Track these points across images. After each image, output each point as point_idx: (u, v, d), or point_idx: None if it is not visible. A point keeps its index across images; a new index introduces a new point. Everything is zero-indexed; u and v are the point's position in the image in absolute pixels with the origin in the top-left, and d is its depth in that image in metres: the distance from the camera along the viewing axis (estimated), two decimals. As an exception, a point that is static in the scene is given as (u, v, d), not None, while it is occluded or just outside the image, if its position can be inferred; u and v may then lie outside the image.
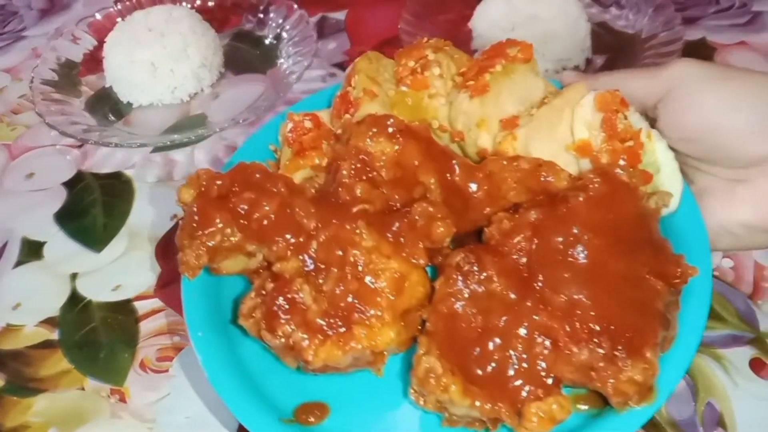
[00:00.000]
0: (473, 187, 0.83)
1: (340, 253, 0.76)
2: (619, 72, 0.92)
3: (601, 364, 0.69)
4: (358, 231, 0.76)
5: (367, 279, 0.75)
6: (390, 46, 1.34)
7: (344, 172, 0.81)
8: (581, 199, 0.76)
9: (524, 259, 0.75)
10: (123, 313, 0.98)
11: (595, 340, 0.70)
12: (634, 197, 0.77)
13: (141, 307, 0.98)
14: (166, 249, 1.05)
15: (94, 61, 1.37)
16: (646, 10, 1.35)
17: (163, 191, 1.14)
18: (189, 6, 1.43)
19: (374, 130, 0.82)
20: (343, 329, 0.73)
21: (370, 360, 0.75)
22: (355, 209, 0.78)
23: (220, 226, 0.77)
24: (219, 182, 0.80)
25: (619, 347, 0.69)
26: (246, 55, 1.40)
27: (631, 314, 0.71)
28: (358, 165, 0.81)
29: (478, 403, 0.70)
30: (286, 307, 0.75)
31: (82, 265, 1.05)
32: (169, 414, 0.86)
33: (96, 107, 1.30)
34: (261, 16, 1.44)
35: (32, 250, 1.09)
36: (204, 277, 0.84)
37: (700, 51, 1.33)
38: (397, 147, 0.82)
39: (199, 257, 0.77)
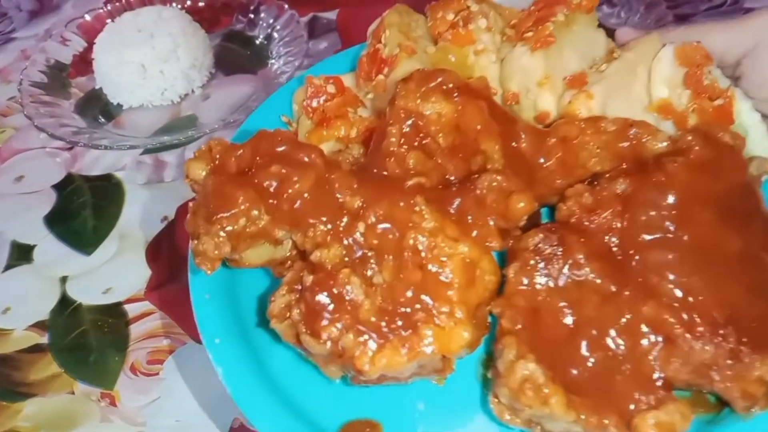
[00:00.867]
0: (544, 155, 0.70)
1: (396, 236, 0.62)
2: (694, 24, 0.82)
3: (728, 362, 0.57)
4: (417, 209, 0.62)
5: (432, 267, 0.61)
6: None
7: (392, 139, 0.67)
8: (681, 163, 0.64)
9: (615, 239, 0.63)
10: (113, 316, 0.97)
11: (721, 332, 0.57)
12: (741, 162, 0.66)
13: (131, 310, 0.97)
14: (157, 251, 1.03)
15: (83, 63, 1.35)
16: (637, 7, 1.35)
17: (154, 193, 1.13)
18: (179, 7, 1.41)
19: (426, 87, 0.68)
20: (405, 331, 0.59)
21: (438, 367, 0.62)
22: (409, 183, 0.64)
23: (244, 207, 0.62)
24: (238, 153, 0.66)
25: (744, 340, 0.57)
26: (236, 56, 1.38)
27: (754, 300, 0.59)
28: (410, 130, 0.67)
29: (583, 417, 0.56)
30: (332, 304, 0.60)
31: (72, 268, 1.04)
32: (160, 417, 0.85)
33: (86, 109, 1.29)
34: (251, 16, 1.42)
35: (22, 253, 1.07)
36: (217, 272, 0.68)
37: (693, 48, 1.33)
38: (456, 107, 0.67)
39: (220, 245, 0.62)
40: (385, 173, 0.66)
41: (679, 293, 0.59)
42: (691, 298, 0.59)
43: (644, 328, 0.59)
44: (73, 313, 0.97)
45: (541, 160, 0.70)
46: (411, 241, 0.62)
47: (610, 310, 0.60)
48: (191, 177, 0.67)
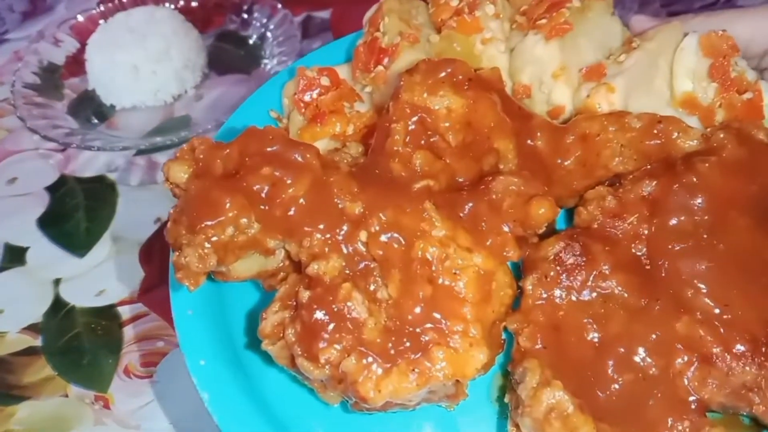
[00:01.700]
0: (561, 154, 0.63)
1: (403, 246, 0.55)
2: (718, 12, 0.74)
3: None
4: (426, 215, 0.55)
5: (444, 281, 0.54)
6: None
7: (397, 137, 0.60)
8: (713, 164, 0.58)
9: (642, 247, 0.57)
10: (107, 319, 0.96)
11: (764, 351, 0.52)
12: None
13: (125, 312, 0.96)
14: (150, 253, 1.02)
15: (76, 64, 1.34)
16: (631, 5, 1.33)
17: (147, 194, 1.12)
18: (172, 7, 1.40)
19: (434, 79, 0.61)
20: (415, 353, 0.52)
21: (451, 393, 0.55)
22: (417, 186, 0.57)
23: (232, 214, 0.55)
24: (224, 153, 0.59)
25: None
26: (230, 56, 1.37)
27: None
28: (416, 127, 0.60)
29: None
30: (331, 324, 0.53)
31: (65, 270, 1.03)
32: (154, 420, 0.84)
33: (78, 110, 1.27)
34: (245, 16, 1.41)
35: (14, 255, 1.06)
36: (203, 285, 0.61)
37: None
38: (468, 101, 0.60)
39: (205, 258, 0.55)
40: (389, 175, 0.59)
41: (715, 308, 0.54)
42: (729, 314, 0.53)
43: (678, 347, 0.54)
44: (66, 315, 0.97)
45: (559, 160, 0.63)
46: (420, 252, 0.55)
47: (639, 326, 0.54)
48: (171, 180, 0.60)
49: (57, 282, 1.01)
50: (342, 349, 0.53)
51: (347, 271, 0.56)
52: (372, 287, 0.56)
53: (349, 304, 0.54)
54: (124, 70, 1.22)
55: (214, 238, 0.56)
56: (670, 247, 0.57)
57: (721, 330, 0.53)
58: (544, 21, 0.70)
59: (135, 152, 1.19)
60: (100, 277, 1.02)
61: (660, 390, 0.53)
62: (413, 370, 0.53)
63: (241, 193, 0.57)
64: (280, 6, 1.35)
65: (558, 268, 0.57)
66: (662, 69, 0.70)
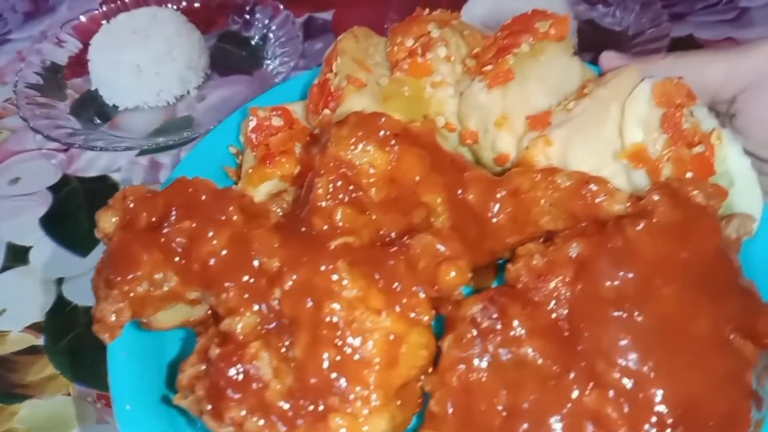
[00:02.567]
0: (493, 209, 0.61)
1: (312, 306, 0.54)
2: (687, 54, 0.72)
3: None
4: (337, 276, 0.55)
5: (350, 344, 0.53)
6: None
7: (320, 191, 0.60)
8: (643, 228, 0.55)
9: (564, 311, 0.55)
10: (109, 318, 0.97)
11: None
12: (715, 226, 0.56)
13: (127, 311, 0.97)
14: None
15: (79, 64, 1.35)
16: (632, 6, 1.34)
17: (150, 194, 1.13)
18: (174, 7, 1.41)
19: (360, 133, 0.60)
20: (315, 419, 0.52)
21: None
22: (333, 244, 0.57)
23: (146, 270, 0.56)
24: (152, 204, 0.59)
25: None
26: (232, 57, 1.38)
27: (716, 393, 0.51)
28: (339, 182, 0.60)
29: None
30: (239, 381, 0.53)
31: (68, 269, 1.04)
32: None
33: (81, 110, 1.28)
34: (247, 16, 1.41)
35: (18, 255, 1.07)
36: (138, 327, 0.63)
37: (688, 47, 1.33)
38: (391, 157, 0.60)
39: (119, 313, 0.56)
40: (311, 230, 0.59)
41: (627, 383, 0.51)
42: (640, 392, 0.51)
43: (586, 423, 0.51)
44: (69, 314, 0.97)
45: (490, 214, 0.61)
46: (328, 313, 0.54)
47: (550, 397, 0.52)
48: (101, 229, 0.61)
49: (60, 281, 1.01)
50: (247, 410, 0.53)
51: (262, 328, 0.56)
52: (284, 345, 0.55)
53: (256, 363, 0.54)
54: (126, 70, 1.23)
55: (131, 293, 0.56)
56: (590, 314, 0.54)
57: (629, 408, 0.51)
58: (489, 67, 0.68)
59: (138, 152, 1.20)
60: (103, 277, 1.01)
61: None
62: None
63: (159, 249, 0.57)
64: (282, 7, 1.36)
65: (474, 330, 0.55)
66: (613, 117, 0.66)
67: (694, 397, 0.51)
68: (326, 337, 0.54)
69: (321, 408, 0.53)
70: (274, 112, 0.74)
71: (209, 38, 1.39)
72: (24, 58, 1.40)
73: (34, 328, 0.96)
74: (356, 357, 0.53)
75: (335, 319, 0.54)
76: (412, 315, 0.56)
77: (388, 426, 0.53)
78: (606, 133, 0.66)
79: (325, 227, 0.58)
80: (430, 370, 0.58)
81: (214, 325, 0.59)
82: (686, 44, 1.32)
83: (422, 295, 0.56)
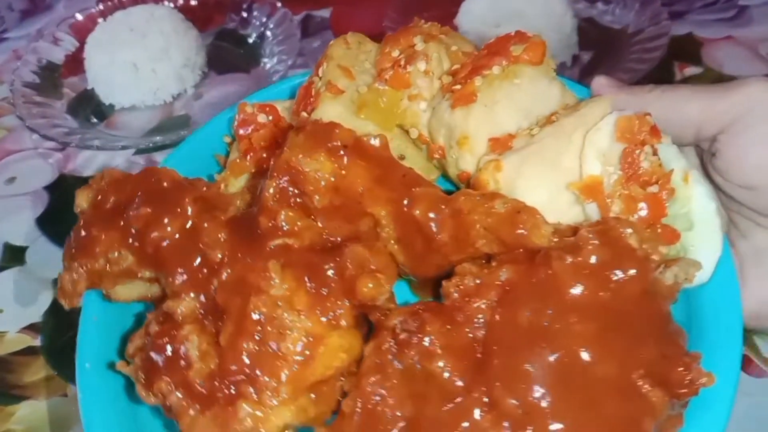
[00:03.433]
0: (437, 226, 0.62)
1: (242, 299, 0.59)
2: (673, 87, 0.70)
3: None
4: (268, 274, 0.58)
5: (269, 339, 0.57)
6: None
7: (269, 192, 0.63)
8: (569, 263, 0.55)
9: (482, 333, 0.56)
10: (106, 318, 0.96)
11: None
12: (643, 271, 0.56)
13: (124, 311, 0.97)
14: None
15: (75, 63, 1.35)
16: (632, 5, 1.35)
17: (147, 194, 1.13)
18: (171, 5, 1.41)
19: (312, 142, 0.63)
20: (225, 402, 0.57)
21: None
22: (272, 244, 0.60)
23: (102, 248, 0.62)
24: (122, 187, 0.65)
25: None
26: (229, 55, 1.38)
27: None
28: (287, 186, 0.62)
29: None
30: (168, 358, 0.59)
31: (64, 269, 1.04)
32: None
33: (78, 109, 1.29)
34: (244, 14, 1.42)
35: (14, 255, 1.07)
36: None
37: (687, 46, 1.33)
38: (336, 167, 0.62)
39: (77, 283, 0.63)
40: (257, 228, 0.63)
41: (521, 414, 0.52)
42: (532, 425, 0.52)
43: None
44: (65, 315, 0.97)
45: (434, 231, 0.63)
46: (253, 307, 0.58)
47: (450, 414, 0.54)
48: (77, 205, 0.67)
49: (56, 282, 1.00)
50: (172, 385, 0.58)
51: (200, 313, 0.61)
52: (215, 331, 0.60)
53: (186, 344, 0.59)
54: (123, 68, 1.23)
55: (88, 266, 0.63)
56: (503, 340, 0.55)
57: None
58: (458, 87, 0.69)
59: (134, 151, 1.20)
60: (100, 277, 1.01)
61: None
62: (219, 417, 0.57)
63: (118, 229, 0.64)
64: (279, 5, 1.35)
65: (392, 339, 0.58)
66: (576, 146, 0.66)
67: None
68: (249, 330, 0.58)
69: (233, 393, 0.57)
70: (263, 109, 0.77)
71: (206, 36, 1.39)
72: (20, 56, 1.40)
73: (31, 328, 0.96)
74: (273, 351, 0.57)
75: (259, 314, 0.58)
76: (332, 318, 0.59)
77: (293, 418, 0.57)
78: (565, 162, 0.65)
79: (269, 227, 0.62)
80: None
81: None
82: (686, 42, 1.32)
83: (347, 302, 0.60)
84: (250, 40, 1.39)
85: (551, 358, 0.53)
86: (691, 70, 1.29)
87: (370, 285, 0.58)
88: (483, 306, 0.57)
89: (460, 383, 0.54)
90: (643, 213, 0.62)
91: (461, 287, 0.58)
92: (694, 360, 0.54)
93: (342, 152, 0.63)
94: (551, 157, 0.65)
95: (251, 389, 0.56)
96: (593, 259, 0.55)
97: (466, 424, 0.53)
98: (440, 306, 0.59)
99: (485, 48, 0.73)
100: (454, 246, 0.63)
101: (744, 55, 1.30)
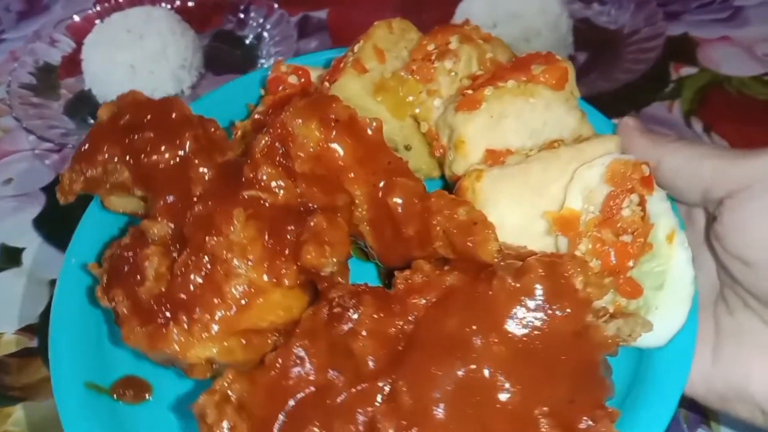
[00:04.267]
0: (406, 219, 0.64)
1: (202, 235, 0.62)
2: (692, 143, 0.68)
3: None
4: (232, 220, 0.62)
5: (216, 277, 0.61)
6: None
7: (258, 146, 0.66)
8: (508, 285, 0.56)
9: (410, 328, 0.58)
10: (103, 320, 0.96)
11: None
12: (578, 312, 0.55)
13: (121, 312, 0.97)
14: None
15: (72, 64, 1.35)
16: (628, 5, 1.35)
17: (144, 195, 1.13)
18: (168, 6, 1.41)
19: (310, 110, 0.65)
20: (163, 323, 0.61)
21: (185, 368, 0.62)
22: (246, 194, 0.64)
23: (102, 158, 0.68)
24: (139, 109, 0.71)
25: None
26: (226, 56, 1.38)
27: None
28: (277, 145, 0.65)
29: None
30: (127, 271, 0.64)
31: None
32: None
33: (75, 110, 1.28)
34: (241, 15, 1.41)
35: (10, 256, 1.07)
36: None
37: (683, 46, 1.33)
38: (322, 138, 0.64)
39: (73, 182, 0.70)
40: (240, 176, 0.66)
41: (413, 415, 0.54)
42: (417, 427, 0.53)
43: (365, 427, 0.55)
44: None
45: (403, 223, 0.64)
46: (211, 246, 0.62)
47: (352, 396, 0.56)
48: (99, 116, 0.73)
49: (53, 283, 1.01)
50: (123, 295, 0.63)
51: (169, 239, 0.66)
52: (176, 258, 0.64)
53: (146, 263, 0.63)
54: (120, 69, 1.22)
55: (87, 172, 0.69)
56: (423, 341, 0.57)
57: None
58: (470, 91, 0.70)
59: (131, 152, 1.18)
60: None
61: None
62: (152, 335, 0.61)
63: (120, 146, 0.69)
64: (276, 6, 1.35)
65: (325, 310, 0.61)
66: (567, 177, 0.65)
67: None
68: (199, 265, 0.62)
69: (169, 317, 0.61)
70: (296, 71, 0.81)
71: (203, 37, 1.39)
72: (17, 57, 1.40)
73: (28, 330, 0.96)
74: (214, 290, 0.61)
75: (212, 253, 0.62)
76: (276, 275, 0.62)
77: (217, 355, 0.61)
78: (552, 190, 0.65)
79: (251, 176, 0.65)
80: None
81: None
82: (682, 43, 1.32)
83: (295, 266, 0.62)
84: (247, 42, 1.39)
85: (461, 371, 0.54)
86: (687, 71, 1.29)
87: (313, 253, 0.61)
88: (421, 304, 0.59)
89: (372, 368, 0.56)
90: (614, 259, 0.61)
91: (409, 281, 0.60)
92: (608, 416, 0.53)
93: (333, 126, 0.65)
94: (536, 181, 0.65)
95: (185, 318, 0.60)
96: (532, 289, 0.55)
97: (362, 408, 0.55)
98: (384, 293, 0.61)
99: (517, 60, 0.73)
100: (418, 242, 0.64)
101: (740, 56, 1.30)
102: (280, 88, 0.81)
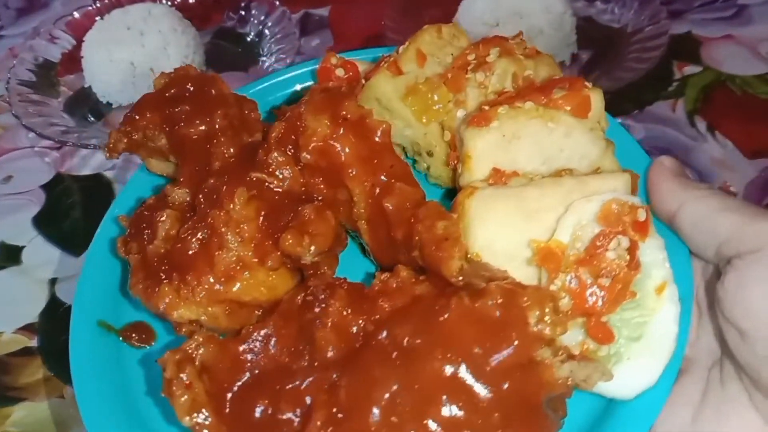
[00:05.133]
0: (396, 224, 0.65)
1: (207, 206, 0.68)
2: (718, 194, 0.64)
3: None
4: (235, 198, 0.66)
5: (210, 246, 0.66)
6: (375, 43, 1.32)
7: (274, 132, 0.70)
8: (464, 304, 0.56)
9: (370, 328, 0.59)
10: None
11: None
12: (524, 347, 0.54)
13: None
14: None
15: (72, 61, 1.34)
16: (631, 4, 1.34)
17: (144, 193, 1.12)
18: (169, 3, 1.40)
19: (325, 104, 0.69)
20: (158, 280, 0.67)
21: (174, 325, 0.68)
22: (254, 175, 0.68)
23: (143, 124, 0.76)
24: (187, 83, 0.77)
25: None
26: (227, 53, 1.37)
27: None
28: (289, 134, 0.69)
29: None
30: (142, 227, 0.71)
31: (61, 269, 1.03)
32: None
33: (75, 108, 1.27)
34: (242, 13, 1.40)
35: (10, 255, 1.06)
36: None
37: (686, 44, 1.32)
38: (329, 134, 0.67)
39: (118, 141, 0.76)
40: (255, 156, 0.71)
41: (343, 411, 0.56)
42: (343, 426, 0.55)
43: (300, 407, 0.58)
44: (62, 315, 0.96)
45: (394, 227, 0.66)
46: (212, 217, 0.67)
47: (300, 378, 0.59)
48: (154, 84, 0.80)
49: (53, 282, 1.01)
50: (134, 249, 0.71)
51: (186, 205, 0.72)
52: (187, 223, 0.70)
53: (160, 223, 0.70)
54: (120, 67, 1.22)
55: (130, 135, 0.77)
56: (373, 345, 0.58)
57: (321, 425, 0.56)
58: (486, 108, 0.69)
59: (132, 150, 1.18)
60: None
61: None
62: (148, 290, 0.67)
63: (160, 114, 0.76)
64: (278, 3, 1.34)
65: (303, 296, 0.64)
66: (564, 207, 0.64)
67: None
68: (199, 230, 0.67)
69: (163, 277, 0.67)
70: (344, 64, 0.82)
71: (204, 35, 1.38)
72: (16, 54, 1.39)
73: (28, 329, 0.96)
74: (207, 259, 0.66)
75: (213, 224, 0.66)
76: (262, 255, 0.66)
77: (200, 317, 0.66)
78: (548, 220, 0.63)
79: (263, 159, 0.70)
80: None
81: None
82: (685, 41, 1.31)
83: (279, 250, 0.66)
84: (249, 39, 1.38)
85: (398, 380, 0.55)
86: (691, 69, 1.28)
87: (290, 240, 0.64)
88: (386, 307, 0.60)
89: (329, 358, 0.59)
90: (596, 299, 0.59)
91: (384, 284, 0.62)
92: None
93: (341, 123, 0.68)
94: (531, 207, 0.64)
95: (177, 280, 0.66)
96: (485, 313, 0.55)
97: (308, 395, 0.58)
98: (359, 291, 0.63)
99: (550, 80, 0.72)
100: (404, 247, 0.65)
101: (743, 54, 1.29)
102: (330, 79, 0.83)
